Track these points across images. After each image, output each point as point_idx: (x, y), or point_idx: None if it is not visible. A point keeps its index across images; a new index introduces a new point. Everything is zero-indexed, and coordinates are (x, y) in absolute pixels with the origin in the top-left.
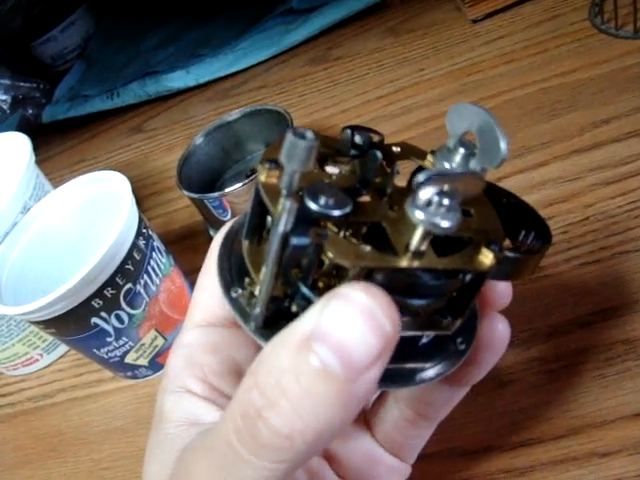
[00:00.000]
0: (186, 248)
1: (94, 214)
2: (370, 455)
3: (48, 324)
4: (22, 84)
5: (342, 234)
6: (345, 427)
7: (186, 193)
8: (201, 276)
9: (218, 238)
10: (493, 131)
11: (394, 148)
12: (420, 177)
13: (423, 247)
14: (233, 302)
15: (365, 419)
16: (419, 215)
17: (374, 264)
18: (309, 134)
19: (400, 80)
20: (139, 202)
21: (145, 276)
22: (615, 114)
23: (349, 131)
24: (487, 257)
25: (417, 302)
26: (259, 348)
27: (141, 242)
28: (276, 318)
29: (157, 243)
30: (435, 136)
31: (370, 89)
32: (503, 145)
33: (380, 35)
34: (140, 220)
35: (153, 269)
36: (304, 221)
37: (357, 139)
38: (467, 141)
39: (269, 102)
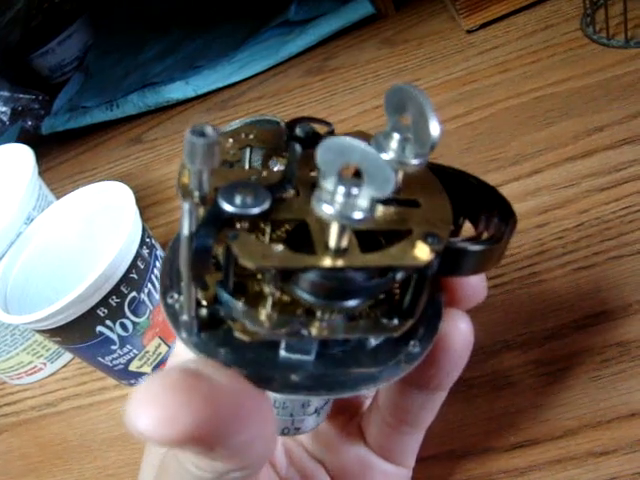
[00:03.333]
0: None
1: (98, 224)
2: (363, 461)
3: (53, 333)
4: (21, 96)
5: (267, 235)
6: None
7: None
8: None
9: None
10: (424, 114)
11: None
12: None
13: (344, 244)
14: (167, 308)
15: (359, 427)
16: (327, 210)
17: (281, 265)
18: (209, 130)
19: None
20: (140, 212)
21: (149, 284)
22: (608, 122)
23: (284, 124)
24: (423, 251)
25: (346, 304)
26: None
27: (145, 251)
28: (214, 323)
29: (160, 252)
30: None
31: (367, 99)
32: (433, 128)
33: (376, 46)
34: (143, 230)
35: (157, 278)
36: (215, 222)
37: (297, 131)
38: (402, 126)
39: (267, 113)
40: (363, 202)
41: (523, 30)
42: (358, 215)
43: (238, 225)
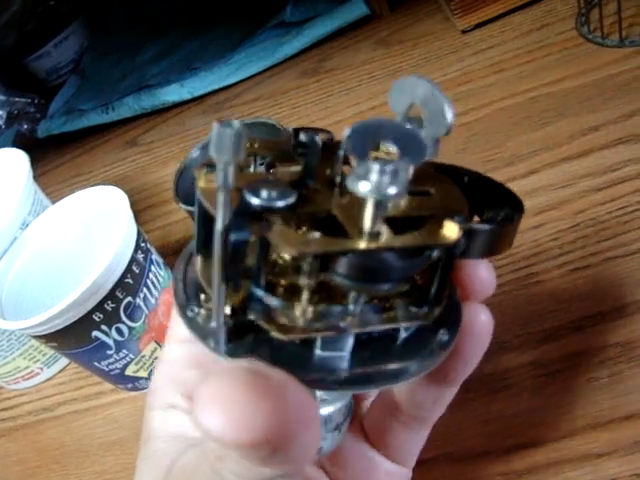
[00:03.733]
0: None
1: (93, 229)
2: (368, 461)
3: (49, 338)
4: (17, 99)
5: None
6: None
7: (183, 206)
8: None
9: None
10: (437, 98)
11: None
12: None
13: (377, 227)
14: (190, 322)
15: (361, 426)
16: (363, 187)
17: (322, 249)
18: (236, 122)
19: None
20: (136, 215)
21: (144, 289)
22: (603, 121)
23: (291, 131)
24: (452, 230)
25: (382, 287)
26: None
27: (140, 256)
28: (242, 332)
29: (155, 256)
30: None
31: (362, 100)
32: (448, 110)
33: (371, 46)
34: (138, 234)
35: (152, 282)
36: (245, 216)
37: (302, 137)
38: (412, 116)
39: (263, 114)
40: (397, 179)
41: (518, 30)
42: (392, 190)
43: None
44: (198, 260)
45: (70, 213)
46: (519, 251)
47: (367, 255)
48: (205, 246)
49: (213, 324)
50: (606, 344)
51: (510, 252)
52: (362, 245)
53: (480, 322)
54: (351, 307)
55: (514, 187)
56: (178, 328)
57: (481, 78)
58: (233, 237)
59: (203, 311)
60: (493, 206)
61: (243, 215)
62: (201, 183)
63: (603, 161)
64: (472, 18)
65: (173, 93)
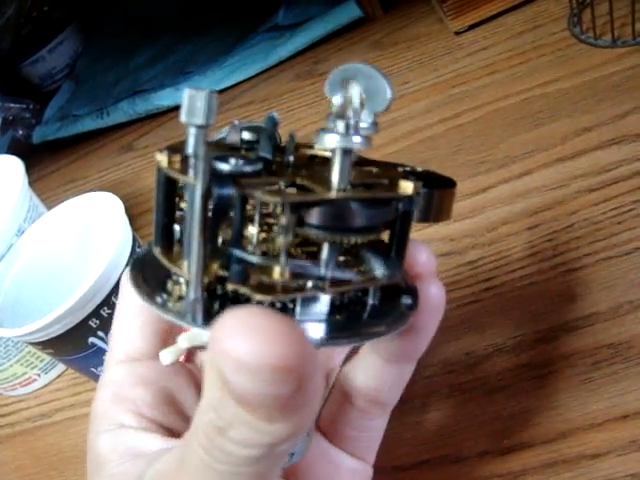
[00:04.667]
0: None
1: (88, 235)
2: (330, 460)
3: (46, 345)
4: (12, 105)
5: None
6: (307, 420)
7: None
8: (116, 313)
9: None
10: (377, 78)
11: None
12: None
13: (345, 183)
14: (161, 307)
15: (317, 424)
16: (331, 139)
17: (302, 199)
18: (206, 89)
19: None
20: (131, 220)
21: None
22: (596, 122)
23: (230, 129)
24: (408, 187)
25: (355, 235)
26: (192, 376)
27: None
28: (219, 306)
29: None
30: (420, 148)
31: None
32: (388, 87)
33: (365, 49)
34: (134, 240)
35: None
36: (222, 177)
37: (245, 136)
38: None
39: (257, 118)
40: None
41: (511, 31)
42: (357, 139)
43: None
44: (158, 252)
45: (66, 219)
46: (513, 253)
47: (340, 203)
48: (165, 238)
49: (191, 296)
50: (600, 345)
51: (504, 254)
52: (334, 195)
53: (432, 294)
54: (325, 266)
55: (508, 188)
56: (118, 349)
57: (475, 79)
58: (218, 192)
59: (173, 295)
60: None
61: (219, 177)
62: (164, 164)
63: (597, 162)
64: (465, 19)
65: (167, 97)
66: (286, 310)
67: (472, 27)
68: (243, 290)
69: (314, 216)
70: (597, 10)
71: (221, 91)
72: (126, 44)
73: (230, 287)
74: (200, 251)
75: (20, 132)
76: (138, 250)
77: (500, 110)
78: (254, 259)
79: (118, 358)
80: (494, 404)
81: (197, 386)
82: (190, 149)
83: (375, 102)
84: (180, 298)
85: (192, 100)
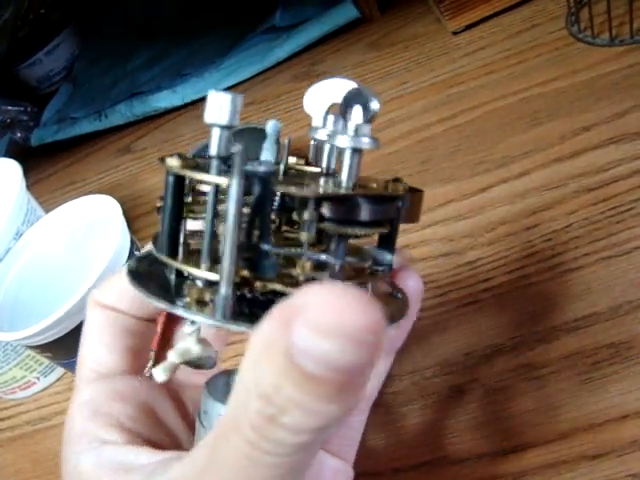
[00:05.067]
0: None
1: (86, 237)
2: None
3: (44, 348)
4: (10, 108)
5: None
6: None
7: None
8: (84, 332)
9: (93, 297)
10: (361, 90)
11: None
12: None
13: (353, 180)
14: (186, 309)
15: None
16: (342, 141)
17: (331, 193)
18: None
19: (383, 94)
20: (129, 223)
21: None
22: (595, 121)
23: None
24: (400, 187)
25: (362, 231)
26: (168, 391)
27: None
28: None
29: None
30: (419, 149)
31: None
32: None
33: (362, 49)
34: (132, 242)
35: None
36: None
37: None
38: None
39: (255, 119)
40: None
41: (509, 30)
42: (366, 140)
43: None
44: (166, 256)
45: (63, 222)
46: (512, 253)
47: (360, 199)
48: (175, 240)
49: (222, 292)
50: (600, 345)
51: (503, 254)
52: (350, 191)
53: (410, 286)
54: (340, 257)
55: (507, 188)
56: (88, 368)
57: (472, 80)
58: (260, 190)
59: (192, 299)
60: None
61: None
62: (175, 167)
63: (595, 161)
64: (462, 19)
65: (165, 99)
66: None
67: (469, 27)
68: (273, 286)
69: (329, 211)
70: (595, 9)
71: None
72: (123, 46)
73: (258, 284)
74: (234, 248)
75: (18, 135)
76: (126, 264)
77: (498, 110)
78: (283, 251)
79: (89, 377)
80: (493, 405)
81: (174, 400)
82: (214, 150)
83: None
84: (200, 301)
85: (216, 101)
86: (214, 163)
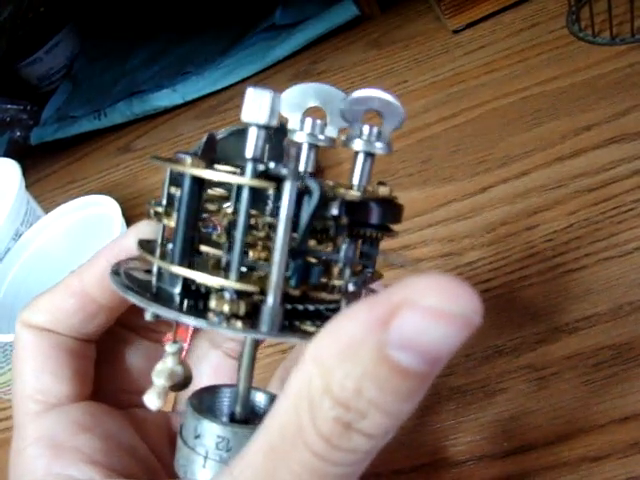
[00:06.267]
0: None
1: (86, 237)
2: None
3: None
4: (9, 106)
5: None
6: None
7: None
8: (17, 363)
9: (23, 318)
10: (338, 96)
11: None
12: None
13: (364, 183)
14: (227, 324)
15: None
16: (357, 144)
17: (360, 197)
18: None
19: None
20: (129, 222)
21: None
22: (595, 120)
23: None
24: (384, 190)
25: (374, 231)
26: (124, 415)
27: None
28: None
29: None
30: (419, 148)
31: None
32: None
33: (362, 48)
34: None
35: None
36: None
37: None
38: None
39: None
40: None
41: (509, 29)
42: (379, 145)
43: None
44: (185, 270)
45: (62, 222)
46: (513, 253)
47: (365, 203)
48: (187, 252)
49: (269, 302)
50: (601, 346)
51: (504, 254)
52: (359, 195)
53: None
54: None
55: (508, 188)
56: (32, 401)
57: (473, 78)
58: (319, 192)
59: (222, 312)
60: None
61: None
62: (195, 170)
63: (596, 161)
64: (463, 18)
65: (165, 98)
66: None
67: (470, 25)
68: (318, 295)
69: (346, 213)
70: (595, 7)
71: (218, 91)
72: (122, 45)
73: (295, 291)
74: (284, 256)
75: (18, 134)
76: (118, 284)
77: (499, 109)
78: (331, 256)
79: (35, 410)
80: (494, 406)
81: (131, 423)
82: (251, 151)
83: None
84: (234, 315)
85: (255, 99)
86: (250, 165)
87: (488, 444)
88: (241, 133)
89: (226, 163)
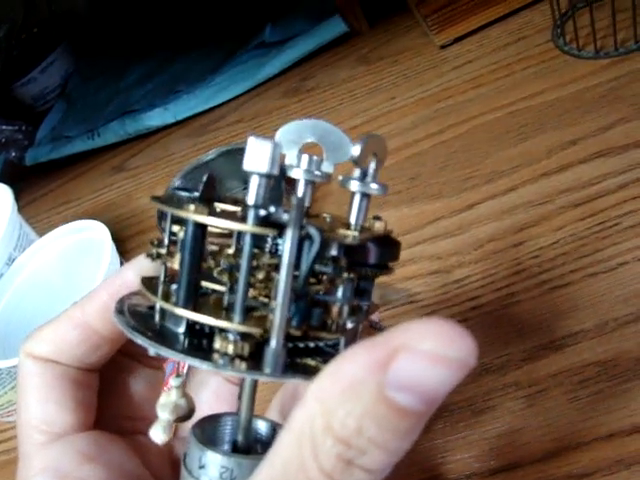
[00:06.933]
0: None
1: (77, 262)
2: None
3: None
4: (4, 127)
5: None
6: None
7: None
8: (23, 388)
9: (26, 349)
10: (334, 132)
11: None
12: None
13: (361, 222)
14: (232, 366)
15: None
16: (353, 185)
17: (361, 240)
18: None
19: (372, 109)
20: (123, 242)
21: None
22: (581, 135)
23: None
24: (380, 225)
25: (372, 270)
26: (128, 442)
27: None
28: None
29: None
30: (407, 165)
31: (344, 119)
32: (349, 142)
33: (351, 64)
34: (122, 264)
35: None
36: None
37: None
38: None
39: (245, 137)
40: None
41: (495, 43)
42: (375, 187)
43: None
44: (192, 313)
45: (54, 247)
46: (499, 270)
47: (364, 245)
48: (192, 295)
49: (272, 344)
50: (587, 363)
51: (491, 272)
52: (357, 235)
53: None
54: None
55: (495, 205)
56: (37, 431)
57: (460, 93)
58: (320, 239)
59: (227, 353)
60: None
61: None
62: (199, 217)
63: (581, 175)
64: (449, 33)
65: (157, 117)
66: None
67: (457, 40)
68: (318, 334)
69: (346, 255)
70: (579, 21)
71: (210, 110)
72: (116, 64)
73: (297, 332)
74: (287, 299)
75: (13, 154)
76: (124, 325)
77: (486, 124)
78: (332, 298)
79: (40, 440)
80: (481, 424)
81: (134, 451)
82: (252, 199)
83: (336, 155)
84: (238, 356)
85: (256, 148)
86: (252, 212)
87: (476, 462)
88: (230, 154)
89: (224, 199)
